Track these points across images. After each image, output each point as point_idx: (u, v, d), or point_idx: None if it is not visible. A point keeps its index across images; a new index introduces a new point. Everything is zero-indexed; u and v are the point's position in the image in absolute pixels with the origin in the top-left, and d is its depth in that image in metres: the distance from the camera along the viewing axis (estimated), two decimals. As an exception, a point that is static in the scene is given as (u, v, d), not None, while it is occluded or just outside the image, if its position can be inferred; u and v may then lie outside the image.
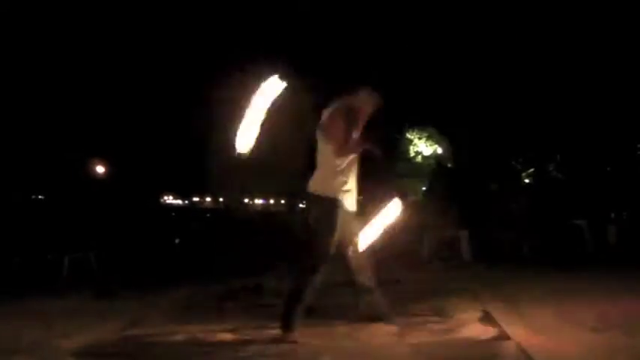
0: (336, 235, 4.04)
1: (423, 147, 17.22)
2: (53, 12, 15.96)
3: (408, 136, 17.34)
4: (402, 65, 13.97)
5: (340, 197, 4.10)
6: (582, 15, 12.56)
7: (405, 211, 4.83)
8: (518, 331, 3.89)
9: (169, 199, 55.82)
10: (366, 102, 4.27)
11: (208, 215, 29.09)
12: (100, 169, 24.32)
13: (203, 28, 16.38)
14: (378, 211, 4.78)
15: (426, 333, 4.08)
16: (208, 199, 58.60)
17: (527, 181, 15.10)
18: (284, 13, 14.30)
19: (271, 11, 14.64)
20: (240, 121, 4.02)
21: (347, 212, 4.15)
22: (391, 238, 5.08)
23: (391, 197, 4.84)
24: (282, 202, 34.79)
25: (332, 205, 4.07)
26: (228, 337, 4.11)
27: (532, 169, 15.19)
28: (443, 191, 9.80)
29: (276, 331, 4.07)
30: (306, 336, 3.99)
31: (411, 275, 7.09)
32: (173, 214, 29.72)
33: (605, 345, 3.57)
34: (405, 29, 14.37)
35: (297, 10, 13.66)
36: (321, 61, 13.45)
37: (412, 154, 17.33)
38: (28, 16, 15.54)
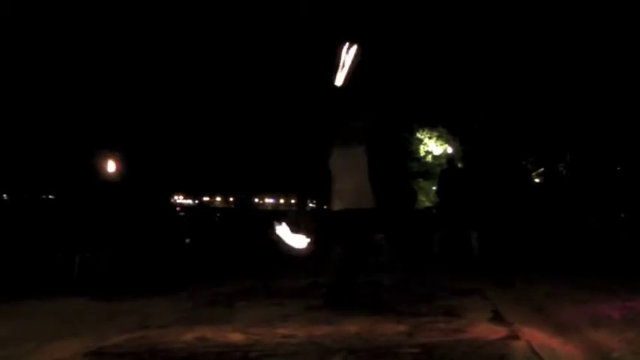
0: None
1: (433, 146, 17.18)
2: (68, 7, 16.00)
3: (418, 135, 17.31)
4: (413, 65, 13.94)
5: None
6: (594, 17, 12.50)
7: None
8: (528, 331, 3.88)
9: (179, 199, 55.98)
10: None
11: (219, 215, 29.09)
12: (111, 168, 24.39)
13: (205, 29, 16.40)
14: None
15: (436, 332, 4.07)
16: (218, 198, 58.70)
17: (537, 180, 15.03)
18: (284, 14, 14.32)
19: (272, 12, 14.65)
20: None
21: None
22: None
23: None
24: (293, 201, 34.81)
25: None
26: (238, 337, 4.11)
27: (542, 169, 15.10)
28: (453, 191, 9.77)
29: (286, 330, 4.07)
30: (316, 335, 3.99)
31: (421, 274, 7.09)
32: (182, 213, 29.72)
33: (615, 345, 3.55)
34: (417, 29, 14.34)
35: (299, 14, 13.68)
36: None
37: (422, 153, 17.31)
38: (42, 11, 15.60)
